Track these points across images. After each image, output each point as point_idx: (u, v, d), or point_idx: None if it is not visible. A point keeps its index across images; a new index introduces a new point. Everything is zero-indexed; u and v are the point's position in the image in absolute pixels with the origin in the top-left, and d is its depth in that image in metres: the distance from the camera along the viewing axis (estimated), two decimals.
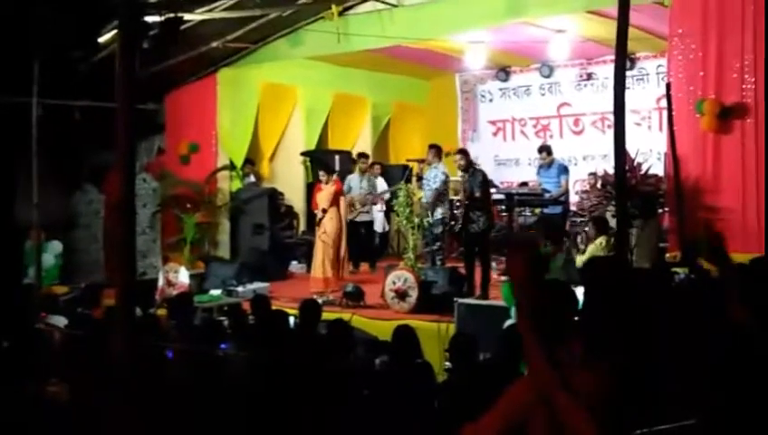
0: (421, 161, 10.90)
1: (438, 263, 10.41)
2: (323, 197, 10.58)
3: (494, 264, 10.15)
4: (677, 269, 6.24)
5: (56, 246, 11.34)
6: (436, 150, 10.65)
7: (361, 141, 14.81)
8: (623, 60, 5.59)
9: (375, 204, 12.59)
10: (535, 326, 2.71)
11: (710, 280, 3.70)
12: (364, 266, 12.43)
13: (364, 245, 12.45)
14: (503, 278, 9.34)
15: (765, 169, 8.09)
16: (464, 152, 10.07)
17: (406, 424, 4.43)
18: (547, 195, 10.77)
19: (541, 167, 11.35)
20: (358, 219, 12.25)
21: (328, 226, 10.43)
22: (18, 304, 7.14)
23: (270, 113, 13.52)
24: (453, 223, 10.90)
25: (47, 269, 10.41)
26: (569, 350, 2.72)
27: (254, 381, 4.98)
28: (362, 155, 13.01)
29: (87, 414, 4.55)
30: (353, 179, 12.44)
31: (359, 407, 4.69)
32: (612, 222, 8.78)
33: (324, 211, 10.52)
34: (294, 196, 14.02)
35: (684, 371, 2.57)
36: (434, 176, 10.50)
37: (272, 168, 13.99)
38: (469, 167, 9.74)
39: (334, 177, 10.86)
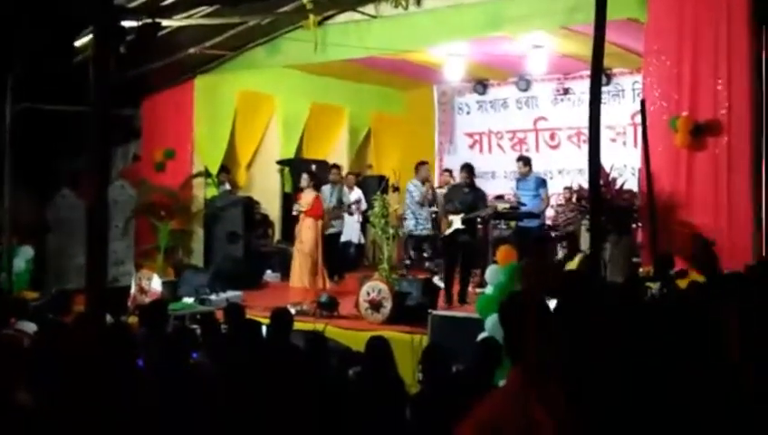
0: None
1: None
2: (300, 203, 10.48)
3: (470, 277, 10.20)
4: (650, 284, 6.29)
5: (27, 251, 11.19)
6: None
7: (338, 151, 14.81)
8: (599, 77, 5.67)
9: (339, 218, 12.39)
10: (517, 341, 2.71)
11: (680, 294, 3.73)
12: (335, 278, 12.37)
13: (333, 257, 12.38)
14: (478, 291, 9.38)
15: (740, 185, 8.21)
16: (469, 168, 10.21)
17: None
18: (523, 208, 10.80)
19: (518, 179, 11.37)
20: (329, 231, 12.20)
21: (305, 235, 10.37)
22: None
23: (247, 121, 13.48)
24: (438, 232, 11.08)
25: (18, 274, 10.28)
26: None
27: (224, 390, 4.94)
28: (334, 166, 12.96)
29: (56, 421, 4.48)
30: (325, 191, 12.40)
31: (330, 418, 4.67)
32: (586, 236, 8.84)
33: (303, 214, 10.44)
34: (270, 204, 13.98)
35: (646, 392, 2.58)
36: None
37: (248, 176, 13.93)
38: (473, 184, 10.01)
39: (312, 190, 10.69)
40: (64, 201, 12.50)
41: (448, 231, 9.94)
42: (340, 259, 12.59)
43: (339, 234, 12.51)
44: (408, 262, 12.20)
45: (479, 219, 10.26)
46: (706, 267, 3.36)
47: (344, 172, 13.12)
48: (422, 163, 12.11)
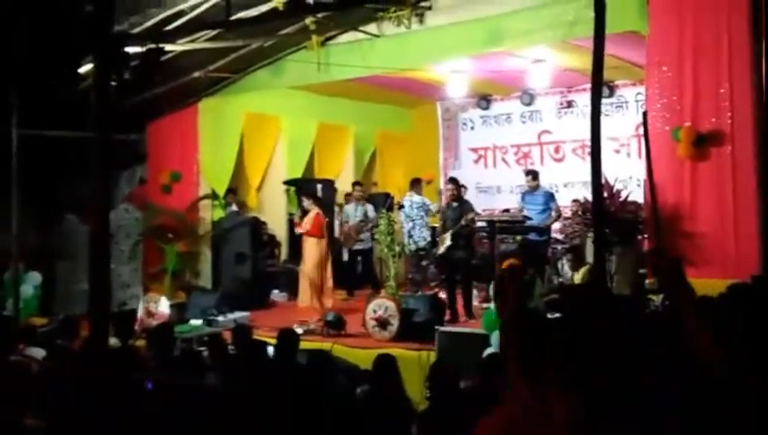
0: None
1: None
2: (305, 226, 10.53)
3: (475, 291, 10.20)
4: (653, 296, 6.28)
5: (35, 277, 11.25)
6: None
7: (346, 170, 14.85)
8: (599, 89, 5.69)
9: (367, 231, 12.59)
10: (519, 355, 2.71)
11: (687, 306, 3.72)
12: (361, 294, 12.42)
13: (362, 272, 12.46)
14: (484, 306, 9.37)
15: (745, 195, 8.20)
16: (455, 181, 10.25)
17: None
18: (529, 222, 10.78)
19: (525, 193, 11.35)
20: (355, 247, 12.29)
21: (307, 255, 10.41)
22: None
23: (254, 143, 13.53)
24: (434, 250, 11.05)
25: (26, 300, 10.32)
26: (546, 377, 2.72)
27: (233, 412, 4.94)
28: (357, 183, 13.14)
29: None
30: (349, 209, 12.55)
31: None
32: (592, 248, 8.82)
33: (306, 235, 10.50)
34: (277, 225, 14.01)
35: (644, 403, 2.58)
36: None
37: (259, 198, 13.95)
38: (460, 196, 9.99)
39: (315, 209, 10.76)
40: (68, 226, 12.58)
41: (442, 249, 9.96)
42: (368, 275, 12.69)
43: (370, 249, 12.60)
44: (411, 276, 12.28)
45: (474, 232, 10.25)
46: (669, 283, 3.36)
47: (352, 190, 13.23)
48: (417, 180, 12.20)
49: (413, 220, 11.76)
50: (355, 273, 12.81)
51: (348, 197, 13.63)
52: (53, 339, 7.79)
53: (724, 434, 2.53)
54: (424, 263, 12.07)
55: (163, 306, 10.11)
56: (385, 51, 10.63)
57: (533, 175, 11.29)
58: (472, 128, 15.31)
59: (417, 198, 11.96)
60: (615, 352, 2.88)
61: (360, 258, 12.73)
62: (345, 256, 13.22)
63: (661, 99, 8.82)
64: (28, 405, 4.99)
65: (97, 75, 3.84)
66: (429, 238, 11.65)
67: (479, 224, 10.78)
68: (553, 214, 10.93)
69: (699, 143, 8.41)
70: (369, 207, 12.93)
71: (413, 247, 11.72)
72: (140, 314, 10.08)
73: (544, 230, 10.87)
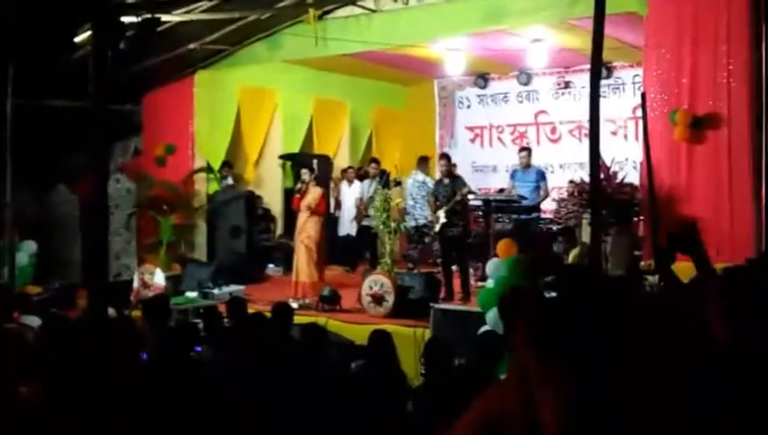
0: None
1: None
2: (306, 201, 10.44)
3: (471, 270, 10.22)
4: (649, 277, 6.31)
5: (30, 246, 11.24)
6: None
7: (342, 146, 14.83)
8: (598, 70, 5.69)
9: None
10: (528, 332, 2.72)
11: (680, 287, 3.74)
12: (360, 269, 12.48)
13: (369, 248, 12.49)
14: (479, 284, 9.40)
15: (740, 178, 8.22)
16: (446, 157, 10.22)
17: (379, 429, 4.44)
18: (524, 202, 10.80)
19: (516, 171, 11.35)
20: (365, 223, 12.31)
21: (311, 229, 10.34)
22: None
23: (251, 117, 13.46)
24: (415, 227, 11.10)
25: (21, 269, 10.31)
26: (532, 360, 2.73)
27: (227, 382, 4.97)
28: (373, 160, 13.19)
29: (60, 415, 4.51)
30: (365, 186, 12.58)
31: (333, 411, 4.69)
32: (588, 230, 8.85)
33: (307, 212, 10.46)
34: (272, 199, 14.00)
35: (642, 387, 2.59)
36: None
37: (260, 173, 13.92)
38: (451, 172, 9.96)
39: (318, 188, 10.71)
40: (58, 196, 12.57)
41: (437, 227, 9.96)
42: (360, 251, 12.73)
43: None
44: (409, 254, 12.32)
45: (468, 209, 10.25)
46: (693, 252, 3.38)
47: (368, 166, 13.35)
48: (425, 158, 12.20)
49: (414, 198, 11.77)
50: (361, 248, 12.77)
51: (344, 173, 13.63)
52: (49, 307, 7.82)
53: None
54: (427, 240, 12.07)
55: (158, 278, 10.12)
56: (382, 26, 10.59)
57: (529, 151, 11.31)
58: (468, 106, 15.26)
59: (420, 176, 11.96)
60: (609, 332, 2.89)
61: (370, 234, 12.59)
62: (342, 232, 13.26)
63: (659, 81, 8.82)
64: (23, 373, 5.01)
65: (94, 44, 3.82)
66: (430, 217, 11.67)
67: (475, 203, 10.80)
68: (542, 193, 10.94)
69: (696, 126, 8.43)
70: (350, 186, 12.99)
71: (413, 225, 11.75)
72: (136, 284, 10.09)
73: (536, 209, 10.89)
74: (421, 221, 11.75)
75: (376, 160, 13.37)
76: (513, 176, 11.35)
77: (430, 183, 11.68)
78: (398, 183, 13.71)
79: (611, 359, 2.66)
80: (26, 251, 11.04)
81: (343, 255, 13.05)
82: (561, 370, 2.54)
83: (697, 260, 3.51)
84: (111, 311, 6.65)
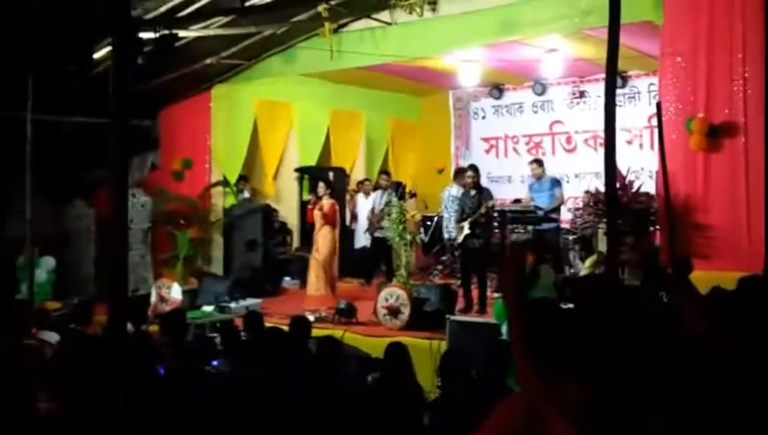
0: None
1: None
2: (318, 214, 10.51)
3: (487, 281, 10.19)
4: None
5: (49, 262, 11.32)
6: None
7: (359, 159, 14.86)
8: (614, 80, 5.66)
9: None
10: (525, 340, 2.72)
11: (694, 298, 3.73)
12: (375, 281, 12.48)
13: (384, 260, 12.49)
14: (495, 295, 9.38)
15: (757, 187, 8.17)
16: (474, 169, 10.22)
17: None
18: (540, 212, 10.78)
19: (532, 183, 11.35)
20: (377, 235, 12.30)
21: (321, 244, 10.42)
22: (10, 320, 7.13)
23: (269, 131, 13.52)
24: (449, 239, 11.03)
25: (40, 285, 10.39)
26: (555, 365, 2.72)
27: (245, 397, 4.98)
28: (384, 172, 13.20)
29: (77, 430, 4.54)
30: (376, 196, 12.59)
31: (349, 424, 4.69)
32: (604, 240, 8.82)
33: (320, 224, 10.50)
34: (289, 212, 14.03)
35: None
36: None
37: (276, 186, 13.97)
38: (477, 184, 9.97)
39: (330, 199, 10.77)
40: (75, 212, 12.66)
41: (460, 238, 9.95)
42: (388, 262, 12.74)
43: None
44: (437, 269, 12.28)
45: (492, 222, 10.24)
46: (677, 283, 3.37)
47: (378, 178, 13.35)
48: (462, 170, 12.15)
49: (449, 211, 11.76)
50: (375, 260, 12.80)
51: (359, 185, 13.65)
52: (67, 323, 7.86)
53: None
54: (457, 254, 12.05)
55: (175, 292, 10.16)
56: (397, 39, 10.63)
57: (538, 162, 11.31)
58: (483, 117, 15.27)
59: (455, 189, 11.93)
60: (626, 342, 2.89)
61: (381, 246, 12.51)
62: (359, 244, 13.26)
63: (674, 89, 8.80)
64: (41, 388, 5.04)
65: (116, 59, 3.84)
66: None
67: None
68: (555, 201, 10.89)
69: (712, 135, 8.39)
70: (367, 199, 12.98)
71: (446, 237, 11.74)
72: (153, 299, 10.14)
73: (552, 218, 10.84)
74: (453, 235, 11.73)
75: (386, 172, 13.38)
76: (530, 188, 11.36)
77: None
78: (414, 195, 13.73)
79: (622, 368, 2.66)
80: (45, 267, 11.13)
81: (359, 267, 13.05)
82: (564, 382, 2.54)
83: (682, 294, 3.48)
84: (129, 326, 6.70)
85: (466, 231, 9.79)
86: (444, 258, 12.38)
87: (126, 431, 4.23)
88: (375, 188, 13.13)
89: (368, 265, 12.80)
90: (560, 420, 2.46)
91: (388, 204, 12.43)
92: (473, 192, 10.01)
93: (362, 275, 12.76)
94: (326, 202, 10.53)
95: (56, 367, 5.58)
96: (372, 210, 12.72)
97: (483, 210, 9.72)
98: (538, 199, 10.99)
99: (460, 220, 10.02)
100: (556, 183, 11.10)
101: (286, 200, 14.08)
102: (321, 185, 10.62)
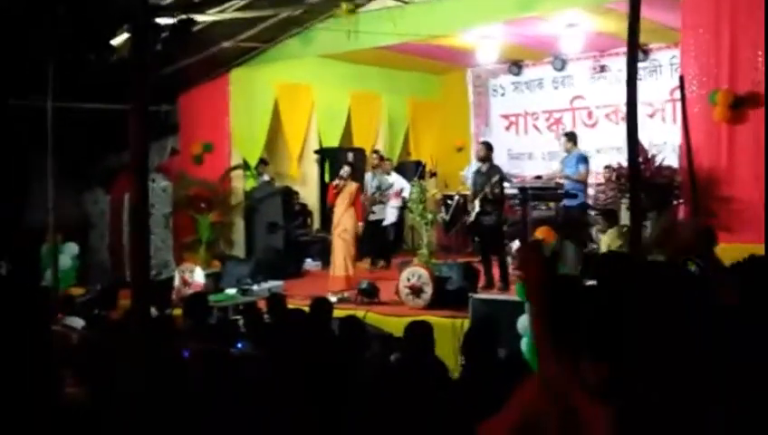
0: None
1: None
2: (343, 195, 10.44)
3: (509, 258, 10.16)
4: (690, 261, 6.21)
5: (73, 248, 11.40)
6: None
7: (377, 139, 14.82)
8: (635, 53, 5.60)
9: (382, 202, 12.58)
10: (548, 326, 2.69)
11: (721, 270, 3.68)
12: (380, 264, 12.50)
13: (377, 243, 12.47)
14: (518, 273, 9.34)
15: None
16: (485, 144, 10.16)
17: (419, 421, 4.43)
18: (565, 188, 10.65)
19: (564, 157, 11.19)
20: (369, 218, 12.26)
21: (348, 223, 10.34)
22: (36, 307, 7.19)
23: (290, 113, 13.51)
24: (465, 216, 10.94)
25: (64, 271, 10.46)
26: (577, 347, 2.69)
27: (269, 379, 5.00)
28: (374, 151, 13.11)
29: (105, 415, 4.58)
30: (367, 177, 12.49)
31: (373, 403, 4.70)
32: (626, 215, 8.75)
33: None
34: (309, 194, 14.04)
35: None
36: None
37: (301, 168, 13.95)
38: (488, 159, 9.88)
39: (353, 183, 10.71)
40: (91, 198, 12.75)
41: (472, 216, 9.89)
42: (382, 245, 12.68)
43: (381, 220, 12.60)
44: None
45: (503, 198, 10.13)
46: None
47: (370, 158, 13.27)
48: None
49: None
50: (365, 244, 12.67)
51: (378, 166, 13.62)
52: (92, 309, 7.93)
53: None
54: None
55: (198, 276, 10.22)
56: (414, 17, 10.54)
57: (569, 136, 11.13)
58: (503, 94, 15.17)
59: (475, 166, 11.84)
60: (652, 320, 2.85)
61: (373, 229, 12.33)
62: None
63: (697, 62, 8.68)
64: (68, 374, 5.09)
65: (134, 46, 3.84)
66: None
67: (511, 191, 10.68)
68: (576, 177, 10.73)
69: (736, 106, 8.28)
70: (387, 178, 12.86)
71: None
72: (177, 283, 10.20)
73: (575, 195, 10.71)
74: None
75: (376, 151, 13.31)
76: (561, 162, 11.26)
77: None
78: (434, 174, 13.68)
79: (648, 347, 2.62)
80: (68, 253, 11.20)
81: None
82: (619, 380, 2.51)
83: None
84: (153, 310, 6.75)
85: (477, 208, 9.74)
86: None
87: (151, 414, 4.27)
88: (363, 170, 12.90)
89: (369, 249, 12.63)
90: (590, 405, 2.43)
91: (378, 188, 12.39)
92: (484, 168, 9.95)
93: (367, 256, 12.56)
94: (352, 186, 10.44)
95: (82, 352, 5.63)
96: (364, 193, 12.54)
97: (488, 187, 9.62)
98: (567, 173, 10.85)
99: (472, 198, 9.96)
100: (581, 160, 10.94)
101: (306, 182, 14.09)
102: (346, 169, 10.56)
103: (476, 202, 9.73)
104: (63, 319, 6.88)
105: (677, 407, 2.48)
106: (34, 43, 7.92)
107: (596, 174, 12.07)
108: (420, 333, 5.42)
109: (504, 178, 9.95)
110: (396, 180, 13.09)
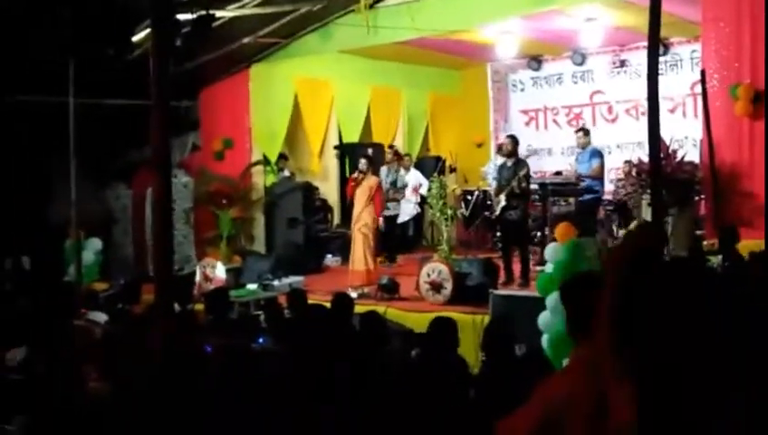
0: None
1: None
2: (362, 191, 10.43)
3: (529, 254, 10.13)
4: (711, 257, 6.19)
5: (96, 243, 11.48)
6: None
7: (399, 134, 14.82)
8: (656, 48, 5.58)
9: (396, 200, 12.55)
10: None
11: (744, 267, 3.67)
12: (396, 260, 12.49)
13: (389, 239, 12.44)
14: (538, 269, 9.32)
15: None
16: (511, 138, 10.12)
17: (440, 416, 4.45)
18: (583, 183, 10.63)
19: (579, 153, 11.19)
20: (385, 213, 12.23)
21: (368, 218, 10.34)
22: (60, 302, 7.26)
23: (310, 109, 13.55)
24: (488, 212, 10.91)
25: (87, 266, 10.54)
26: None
27: (290, 374, 5.03)
28: (390, 146, 13.11)
29: (127, 409, 4.62)
30: (382, 173, 12.49)
31: (393, 399, 4.72)
32: (648, 210, 8.71)
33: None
34: (329, 189, 14.07)
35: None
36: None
37: (322, 163, 13.99)
38: (515, 153, 9.86)
39: (374, 176, 10.72)
40: (113, 193, 12.86)
41: (497, 211, 9.86)
42: (398, 241, 12.67)
43: (395, 216, 12.58)
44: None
45: (529, 193, 10.10)
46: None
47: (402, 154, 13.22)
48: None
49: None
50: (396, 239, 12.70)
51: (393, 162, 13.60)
52: (115, 303, 8.00)
53: None
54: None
55: (219, 271, 10.28)
56: (434, 12, 10.52)
57: (583, 132, 11.14)
58: (522, 89, 15.12)
59: (499, 160, 11.78)
60: (675, 316, 2.84)
61: (386, 226, 12.01)
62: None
63: (718, 55, 8.63)
64: (92, 368, 5.14)
65: (155, 42, 3.87)
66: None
67: (532, 187, 10.66)
68: (591, 172, 10.69)
69: (758, 100, 8.22)
70: (403, 175, 12.83)
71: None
72: (198, 278, 10.26)
73: (593, 190, 10.68)
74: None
75: (392, 146, 13.32)
76: (576, 158, 11.24)
77: None
78: (453, 169, 13.66)
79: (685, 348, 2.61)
80: (92, 249, 11.28)
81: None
82: (644, 364, 2.50)
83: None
84: (175, 305, 6.80)
85: (502, 203, 9.72)
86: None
87: (172, 409, 4.31)
88: (381, 165, 12.83)
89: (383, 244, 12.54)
90: (624, 398, 2.43)
91: (393, 184, 12.37)
92: (509, 163, 9.92)
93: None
94: (372, 180, 10.45)
95: (105, 347, 5.69)
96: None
97: (515, 182, 9.60)
98: (580, 170, 10.85)
99: (498, 192, 9.95)
100: (595, 154, 10.92)
101: (327, 177, 14.12)
102: (363, 162, 10.56)
103: (502, 197, 9.69)
104: (87, 314, 6.93)
105: (699, 393, 2.48)
106: (56, 41, 8.00)
107: (615, 170, 12.01)
108: (445, 330, 5.42)
109: (530, 172, 9.94)
110: (413, 176, 13.08)
